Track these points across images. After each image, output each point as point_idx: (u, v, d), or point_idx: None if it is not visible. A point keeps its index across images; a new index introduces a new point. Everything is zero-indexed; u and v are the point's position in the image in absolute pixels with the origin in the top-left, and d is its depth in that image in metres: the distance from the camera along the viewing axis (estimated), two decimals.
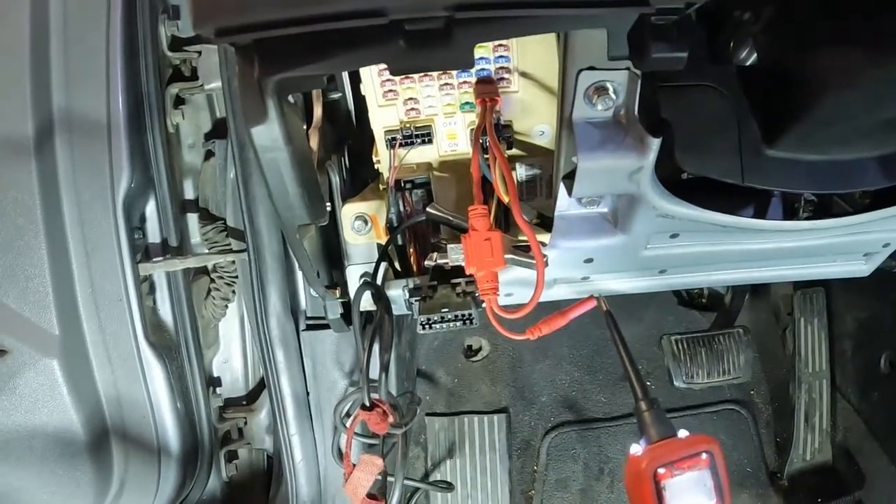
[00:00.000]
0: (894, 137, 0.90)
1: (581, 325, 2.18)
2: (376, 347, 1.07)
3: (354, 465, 1.10)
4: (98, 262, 1.37)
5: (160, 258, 1.47)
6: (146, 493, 1.49)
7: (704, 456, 0.63)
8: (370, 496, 1.11)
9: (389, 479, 1.19)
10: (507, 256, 0.99)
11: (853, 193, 1.10)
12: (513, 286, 1.12)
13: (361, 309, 1.17)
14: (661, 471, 0.62)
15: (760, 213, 1.10)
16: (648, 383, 2.15)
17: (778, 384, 2.17)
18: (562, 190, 1.00)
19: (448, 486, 1.88)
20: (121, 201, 1.37)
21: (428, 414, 2.02)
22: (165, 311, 1.52)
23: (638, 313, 2.20)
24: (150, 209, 1.47)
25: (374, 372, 1.10)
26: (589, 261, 1.10)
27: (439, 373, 2.10)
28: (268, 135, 0.86)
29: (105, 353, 1.40)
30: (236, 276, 1.58)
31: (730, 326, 2.14)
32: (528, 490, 2.01)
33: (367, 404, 1.07)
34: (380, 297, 1.08)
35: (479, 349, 2.16)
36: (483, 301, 0.99)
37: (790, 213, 1.11)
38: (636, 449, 0.69)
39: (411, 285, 1.09)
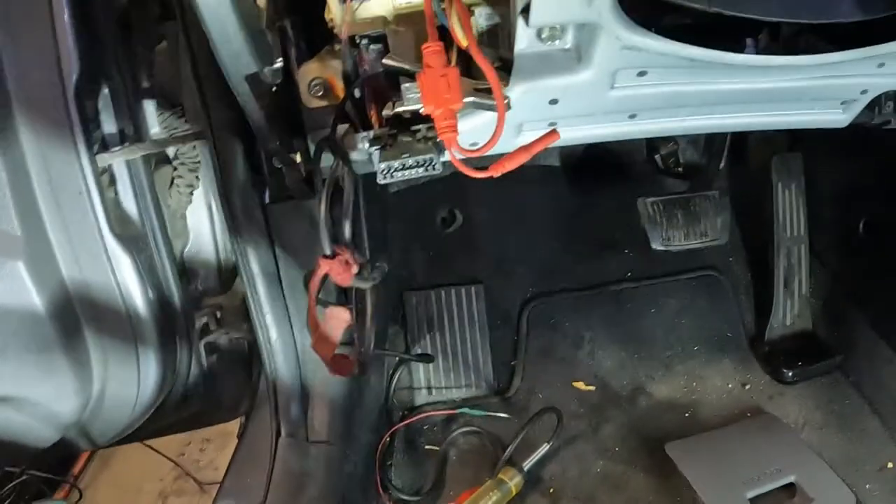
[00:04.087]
0: None
1: (556, 195, 2.17)
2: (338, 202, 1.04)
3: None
4: (55, 157, 1.32)
5: (118, 147, 1.42)
6: (128, 391, 1.48)
7: None
8: (340, 356, 1.10)
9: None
10: (467, 100, 0.96)
11: (830, 32, 1.06)
12: (479, 134, 1.08)
13: (325, 177, 1.13)
14: None
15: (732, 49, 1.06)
16: (626, 251, 2.16)
17: (757, 250, 2.17)
18: (520, 25, 0.95)
19: (428, 358, 1.90)
20: (72, 91, 1.32)
21: (405, 289, 2.01)
22: (129, 203, 1.47)
23: (614, 181, 2.19)
24: (104, 98, 1.41)
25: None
26: (554, 101, 1.06)
27: (413, 247, 2.09)
28: None
29: (70, 249, 1.36)
30: (198, 162, 1.54)
31: (707, 190, 2.14)
32: (510, 360, 2.03)
33: (328, 252, 1.04)
34: (336, 148, 1.05)
35: (454, 220, 2.14)
36: (444, 145, 0.96)
37: (763, 51, 1.08)
38: None
39: (371, 136, 1.05)
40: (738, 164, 2.20)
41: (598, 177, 2.20)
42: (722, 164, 2.17)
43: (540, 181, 2.17)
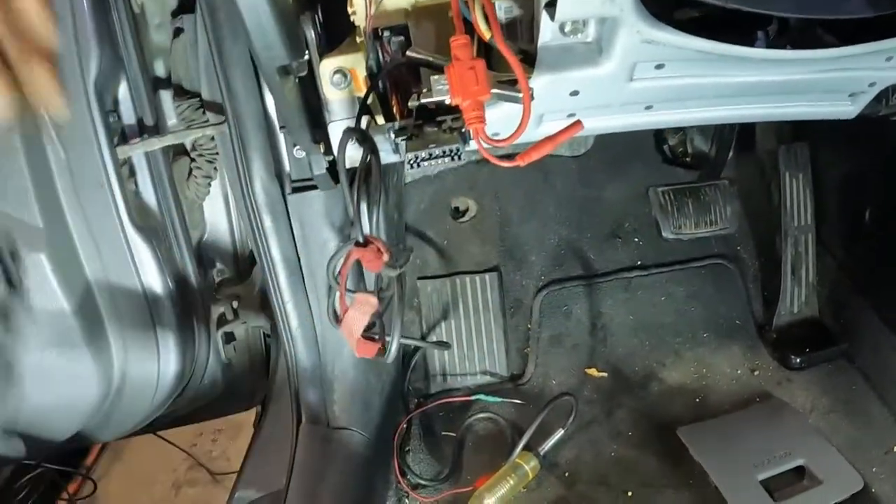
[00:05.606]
0: None
1: (566, 186, 2.20)
2: (365, 192, 1.07)
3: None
4: (75, 150, 1.34)
5: (137, 139, 1.45)
6: (148, 381, 1.50)
7: None
8: (367, 337, 1.12)
9: (387, 338, 1.21)
10: (492, 91, 0.98)
11: (840, 27, 1.08)
12: (500, 125, 1.11)
13: (347, 166, 1.15)
14: None
15: (746, 43, 1.08)
16: (636, 240, 2.19)
17: (764, 239, 2.20)
18: (544, 19, 0.98)
19: (445, 345, 1.92)
20: (92, 85, 1.34)
21: (420, 277, 2.03)
22: (148, 194, 1.50)
23: (623, 171, 2.21)
24: (123, 91, 1.44)
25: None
26: (575, 93, 1.08)
27: (428, 235, 2.11)
28: None
29: (91, 240, 1.39)
30: (216, 153, 1.56)
31: (716, 179, 2.17)
32: (524, 347, 2.05)
33: (361, 240, 1.07)
34: (365, 138, 1.07)
35: (467, 210, 2.16)
36: (470, 135, 0.99)
37: (776, 45, 1.10)
38: None
39: (396, 127, 1.07)
40: (746, 154, 2.22)
41: (608, 166, 2.22)
42: (730, 154, 2.19)
43: (551, 171, 2.19)
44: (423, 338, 1.98)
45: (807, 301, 2.10)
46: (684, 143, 2.24)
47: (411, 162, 1.00)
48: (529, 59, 1.06)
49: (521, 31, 1.15)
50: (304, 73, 1.10)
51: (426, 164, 1.00)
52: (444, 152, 1.00)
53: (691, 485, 1.68)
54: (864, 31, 1.03)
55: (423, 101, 1.02)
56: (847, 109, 1.33)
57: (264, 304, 1.66)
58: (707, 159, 2.21)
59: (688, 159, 2.24)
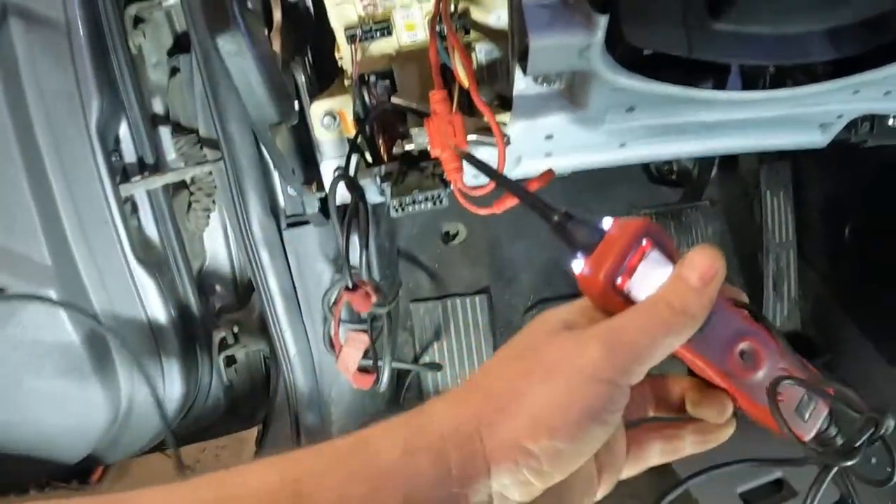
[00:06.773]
0: (839, 11, 0.93)
1: (555, 205, 2.22)
2: (355, 234, 1.13)
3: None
4: (80, 190, 1.41)
5: (139, 177, 1.50)
6: (154, 406, 1.56)
7: (645, 242, 0.57)
8: (362, 370, 1.19)
9: (379, 363, 1.27)
10: (469, 138, 1.04)
11: (809, 66, 1.13)
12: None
13: (338, 203, 1.21)
14: (619, 280, 0.56)
15: (715, 86, 1.13)
16: None
17: (747, 255, 2.23)
18: (517, 70, 1.04)
19: (437, 367, 1.97)
20: (94, 127, 1.39)
21: (412, 300, 2.06)
22: (150, 229, 1.56)
23: (608, 191, 2.23)
24: (124, 130, 1.50)
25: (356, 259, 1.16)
26: (549, 137, 1.14)
27: (420, 259, 2.13)
28: (232, 41, 0.90)
29: (98, 275, 1.46)
30: (215, 186, 1.62)
31: (698, 200, 2.21)
32: None
33: (350, 286, 1.13)
34: (353, 186, 1.13)
35: (457, 234, 2.18)
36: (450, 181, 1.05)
37: (743, 86, 1.15)
38: (579, 266, 0.58)
39: (382, 172, 1.13)
40: (729, 173, 2.25)
41: (594, 186, 2.23)
42: (713, 173, 2.23)
43: (538, 192, 2.21)
44: (416, 358, 2.02)
45: (789, 315, 2.13)
46: (670, 162, 2.28)
47: (396, 207, 1.06)
48: (508, 104, 1.13)
49: (501, 72, 1.21)
50: (295, 122, 1.16)
51: (410, 208, 1.07)
52: (427, 198, 1.06)
53: (674, 497, 1.72)
54: (834, 67, 1.08)
55: (407, 148, 1.09)
56: (818, 140, 1.37)
57: (263, 328, 1.70)
58: (691, 177, 2.25)
59: (673, 177, 2.27)
